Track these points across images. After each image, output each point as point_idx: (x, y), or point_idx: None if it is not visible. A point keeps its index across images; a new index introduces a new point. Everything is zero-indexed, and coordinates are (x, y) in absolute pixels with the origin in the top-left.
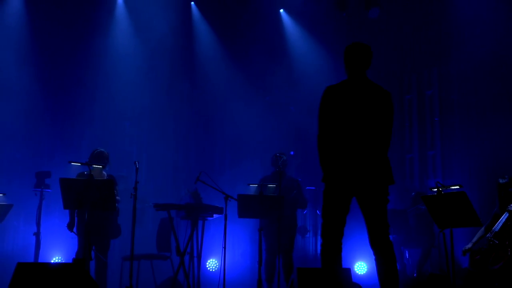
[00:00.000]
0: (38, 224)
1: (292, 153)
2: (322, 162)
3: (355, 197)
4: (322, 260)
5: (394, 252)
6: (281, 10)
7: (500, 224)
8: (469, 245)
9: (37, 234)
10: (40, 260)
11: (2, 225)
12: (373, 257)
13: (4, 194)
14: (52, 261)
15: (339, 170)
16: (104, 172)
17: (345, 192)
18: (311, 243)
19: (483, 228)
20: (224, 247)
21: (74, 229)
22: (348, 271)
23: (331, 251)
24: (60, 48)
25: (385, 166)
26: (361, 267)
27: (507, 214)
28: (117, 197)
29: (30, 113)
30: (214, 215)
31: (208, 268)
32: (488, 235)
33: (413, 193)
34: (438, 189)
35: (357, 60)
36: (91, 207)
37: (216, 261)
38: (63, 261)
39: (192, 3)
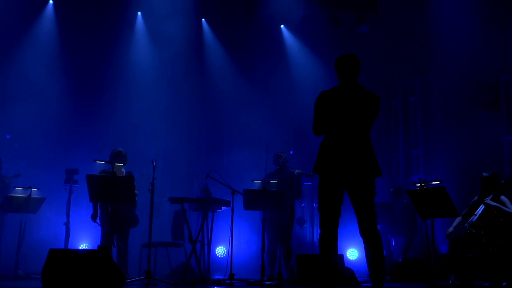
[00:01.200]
0: (67, 215)
1: (291, 152)
2: (319, 156)
3: (346, 190)
4: (320, 249)
5: (381, 240)
6: (282, 26)
7: (477, 215)
8: (451, 229)
9: (67, 224)
10: (69, 247)
11: (36, 216)
12: (363, 244)
13: (38, 188)
14: (80, 248)
15: (334, 164)
16: (123, 169)
17: (339, 185)
18: (308, 232)
19: (461, 216)
20: (231, 236)
21: (97, 220)
22: (341, 257)
23: (329, 241)
24: (86, 59)
25: (373, 160)
26: (352, 253)
27: (483, 207)
28: (136, 191)
29: (61, 117)
30: (222, 207)
31: (217, 255)
32: (466, 224)
33: (391, 189)
34: (420, 184)
35: (348, 68)
36: (113, 200)
37: (224, 248)
38: (89, 248)
39: (203, 19)
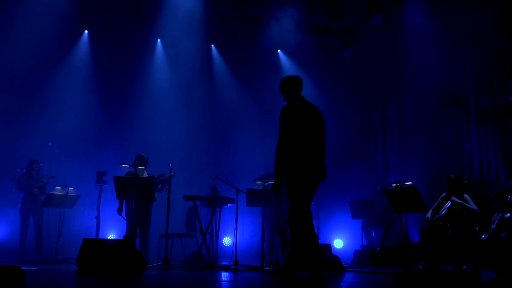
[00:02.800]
0: (98, 210)
1: None
2: (294, 162)
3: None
4: (305, 224)
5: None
6: (279, 50)
7: (445, 210)
8: (429, 214)
9: (98, 218)
10: (100, 237)
11: (72, 211)
12: (342, 234)
13: (73, 187)
14: (109, 238)
15: (310, 167)
16: (145, 172)
17: (312, 183)
18: None
19: (431, 209)
20: (236, 228)
21: (123, 214)
22: (329, 246)
23: (310, 218)
24: (114, 79)
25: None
26: (338, 243)
27: (450, 203)
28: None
29: (92, 128)
30: (228, 204)
31: (224, 244)
32: (435, 218)
33: (378, 187)
34: (396, 184)
35: (299, 87)
36: (135, 198)
37: (229, 239)
38: (117, 238)
39: (212, 45)
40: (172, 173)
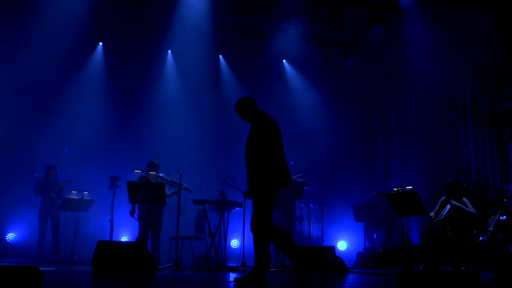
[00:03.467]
0: (111, 214)
1: (292, 163)
2: (272, 171)
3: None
4: (268, 228)
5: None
6: (284, 60)
7: (444, 213)
8: (432, 214)
9: (111, 221)
10: (113, 239)
11: (87, 214)
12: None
13: (88, 192)
14: (122, 240)
15: (282, 177)
16: (161, 175)
17: (279, 190)
18: (306, 228)
19: (433, 212)
20: (243, 231)
21: (135, 216)
22: (333, 248)
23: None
24: (128, 88)
25: None
26: (342, 245)
27: (449, 206)
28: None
29: (107, 135)
30: (236, 208)
31: (232, 246)
32: (435, 221)
33: (374, 192)
34: (397, 189)
35: (255, 104)
36: (147, 201)
37: (237, 241)
38: (129, 240)
39: (220, 56)
40: (183, 185)
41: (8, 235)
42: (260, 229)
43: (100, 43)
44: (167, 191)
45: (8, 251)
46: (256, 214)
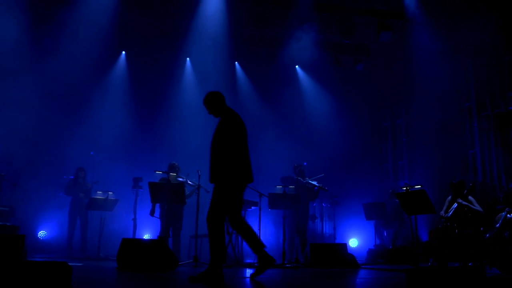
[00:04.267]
0: (134, 213)
1: (305, 163)
2: (235, 168)
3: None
4: (222, 224)
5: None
6: (297, 66)
7: (451, 211)
8: (442, 212)
9: (134, 219)
10: (136, 237)
11: (112, 213)
12: (357, 234)
13: (113, 192)
14: (144, 238)
15: (244, 175)
16: (182, 177)
17: (243, 187)
18: (319, 226)
19: (443, 211)
20: (259, 229)
21: (156, 214)
22: (345, 245)
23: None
24: (149, 95)
25: None
26: (353, 242)
27: (456, 205)
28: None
29: (130, 139)
30: (252, 207)
31: None
32: (442, 219)
33: (390, 190)
34: (406, 188)
35: (224, 100)
36: (168, 201)
37: None
38: (151, 238)
39: (236, 62)
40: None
41: (40, 232)
42: (215, 224)
43: (123, 52)
44: (186, 192)
45: (39, 247)
46: (213, 208)
